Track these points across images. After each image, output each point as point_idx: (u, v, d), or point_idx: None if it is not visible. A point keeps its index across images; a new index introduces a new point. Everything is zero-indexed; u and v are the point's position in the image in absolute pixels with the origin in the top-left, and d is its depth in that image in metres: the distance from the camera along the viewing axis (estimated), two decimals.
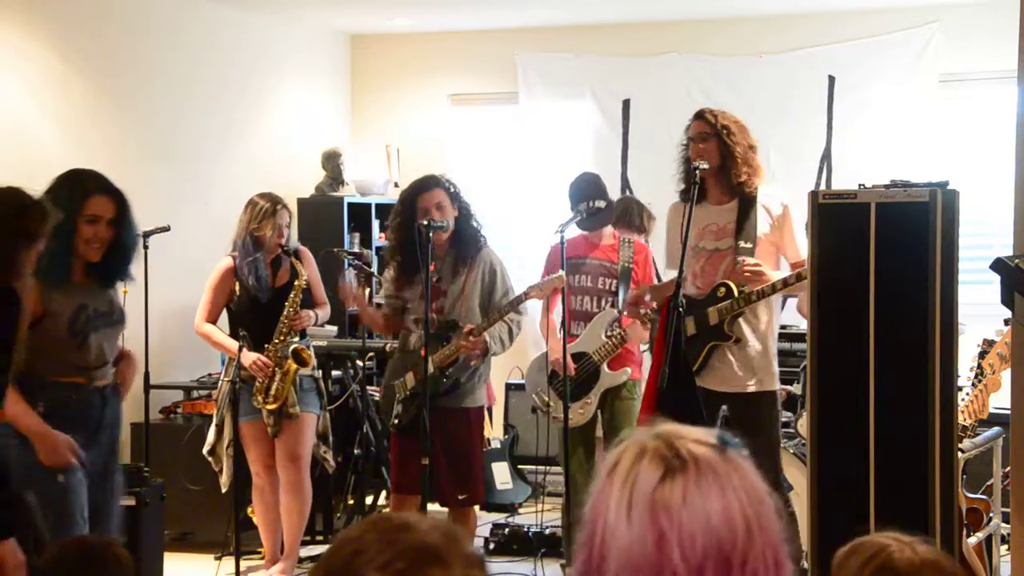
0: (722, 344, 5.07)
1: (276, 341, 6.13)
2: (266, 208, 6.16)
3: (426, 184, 5.68)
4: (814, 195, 4.62)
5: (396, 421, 5.70)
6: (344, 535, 1.59)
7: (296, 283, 6.13)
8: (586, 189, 6.25)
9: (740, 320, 5.08)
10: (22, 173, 6.59)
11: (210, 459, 6.31)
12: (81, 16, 7.05)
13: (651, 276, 6.28)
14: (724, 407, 5.12)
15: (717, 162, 5.09)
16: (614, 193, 7.44)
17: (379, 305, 5.88)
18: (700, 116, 5.21)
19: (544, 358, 6.20)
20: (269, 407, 6.14)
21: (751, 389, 5.08)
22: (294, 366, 6.12)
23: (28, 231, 3.71)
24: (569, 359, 5.89)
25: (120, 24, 7.34)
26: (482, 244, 5.79)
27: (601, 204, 6.19)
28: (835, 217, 4.48)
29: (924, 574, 2.13)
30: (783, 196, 5.23)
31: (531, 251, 8.74)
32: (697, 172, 5.00)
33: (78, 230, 4.37)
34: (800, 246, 5.09)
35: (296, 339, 6.20)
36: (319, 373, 6.44)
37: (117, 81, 7.29)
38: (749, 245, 5.06)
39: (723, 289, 5.09)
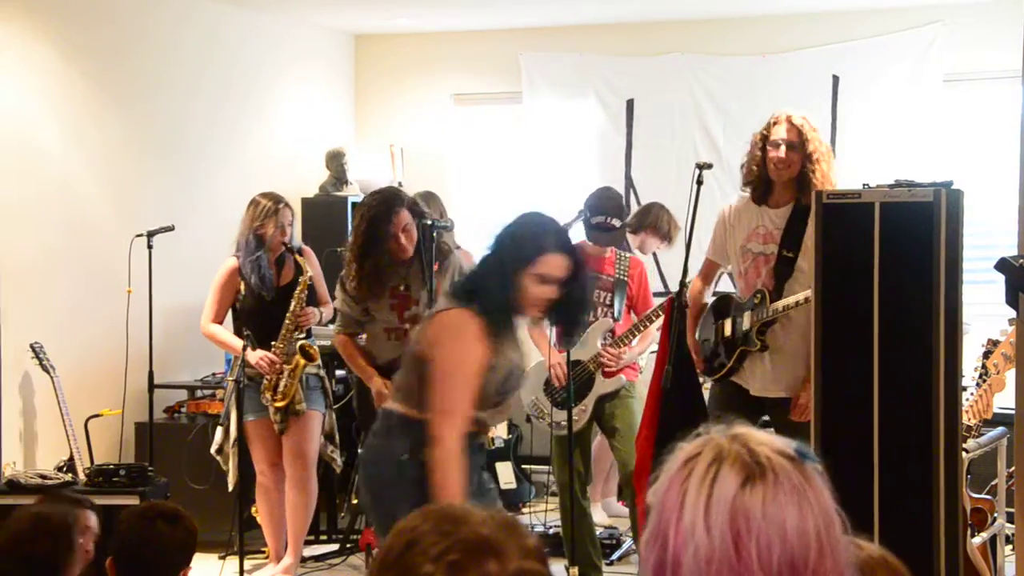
0: (752, 350, 5.02)
1: (283, 338, 6.14)
2: (268, 207, 6.17)
3: (397, 205, 5.49)
4: (818, 195, 4.63)
5: None
6: (400, 527, 1.56)
7: (301, 279, 6.15)
8: (606, 205, 6.14)
9: (777, 327, 5.00)
10: (26, 174, 6.63)
11: (218, 458, 6.31)
12: (84, 16, 7.06)
13: (647, 290, 6.20)
14: (765, 416, 5.08)
15: (796, 172, 4.98)
16: (618, 189, 7.40)
17: (336, 311, 5.80)
18: (791, 122, 4.99)
19: (539, 367, 6.16)
20: (277, 404, 6.15)
21: (783, 395, 5.00)
22: (302, 362, 6.14)
23: None
24: (564, 367, 5.86)
25: (123, 24, 7.34)
26: (448, 250, 5.73)
27: (615, 223, 6.06)
28: (839, 217, 4.48)
29: (878, 572, 2.11)
30: None
31: None
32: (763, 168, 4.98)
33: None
34: None
35: (302, 336, 6.22)
36: (324, 372, 6.44)
37: (120, 81, 7.29)
38: (791, 255, 4.97)
39: (759, 296, 5.02)
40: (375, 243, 5.45)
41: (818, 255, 4.50)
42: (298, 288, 6.15)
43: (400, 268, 5.54)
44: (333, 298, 5.98)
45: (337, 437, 6.56)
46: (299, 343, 6.16)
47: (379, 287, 5.53)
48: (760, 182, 5.03)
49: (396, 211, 5.45)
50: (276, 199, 6.23)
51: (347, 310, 5.63)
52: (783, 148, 4.95)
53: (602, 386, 6.08)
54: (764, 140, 5.03)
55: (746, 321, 5.03)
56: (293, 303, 6.14)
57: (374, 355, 5.64)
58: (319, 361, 6.32)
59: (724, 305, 5.20)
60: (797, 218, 4.98)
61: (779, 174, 4.99)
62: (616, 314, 6.05)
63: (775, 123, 5.03)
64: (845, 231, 4.47)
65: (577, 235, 6.33)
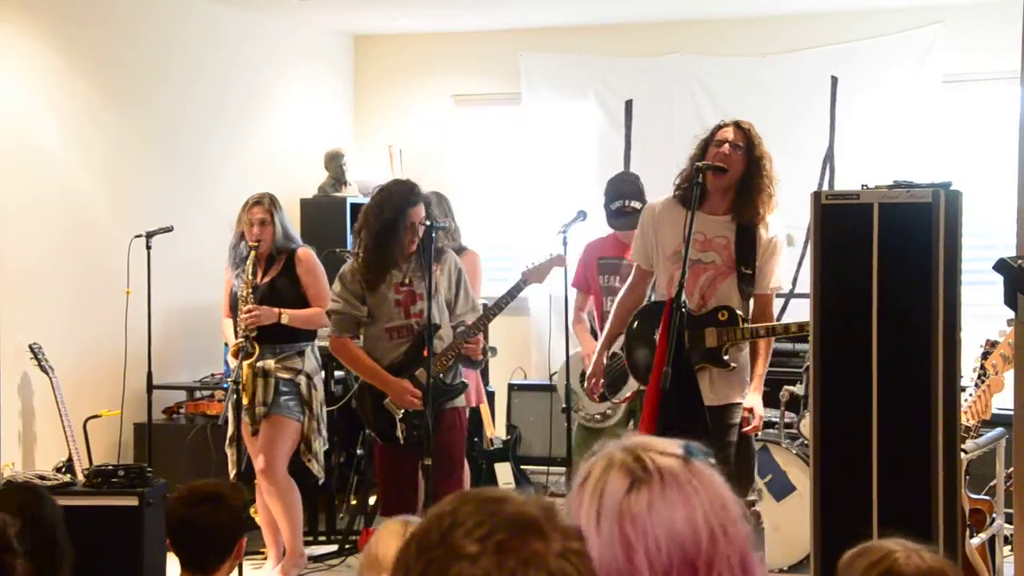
0: (709, 367, 4.92)
1: (239, 339, 6.08)
2: (245, 205, 6.18)
3: (418, 198, 5.52)
4: (817, 196, 4.61)
5: (402, 438, 5.52)
6: (436, 510, 1.54)
7: (244, 279, 6.04)
8: (624, 189, 6.10)
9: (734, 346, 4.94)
10: (25, 174, 6.63)
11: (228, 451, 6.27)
12: (83, 16, 7.06)
13: None
14: None
15: (736, 177, 4.88)
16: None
17: (330, 313, 5.64)
18: (739, 126, 4.93)
19: (576, 358, 6.07)
20: (245, 404, 6.10)
21: (718, 403, 4.92)
22: (245, 364, 6.06)
23: None
24: (598, 359, 5.81)
25: (122, 24, 7.35)
26: (443, 249, 5.67)
27: (636, 205, 6.01)
28: (838, 218, 4.48)
29: None
30: (779, 227, 5.03)
31: (532, 251, 8.74)
32: (704, 174, 4.78)
33: None
34: (774, 276, 4.95)
35: (252, 334, 6.03)
36: (303, 378, 6.20)
37: (120, 81, 7.29)
38: (749, 272, 4.90)
39: (725, 313, 4.90)
40: (393, 227, 5.41)
41: (816, 256, 4.50)
42: (242, 288, 6.07)
43: (403, 263, 5.52)
44: None
45: (317, 444, 6.28)
46: (235, 343, 6.04)
47: (385, 274, 5.49)
48: (694, 186, 4.82)
49: (416, 201, 5.46)
50: (255, 197, 6.21)
51: (347, 309, 5.52)
52: (727, 146, 4.86)
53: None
54: (707, 144, 4.94)
55: (710, 338, 4.90)
56: (240, 304, 6.05)
57: (374, 358, 5.55)
58: (303, 367, 6.18)
59: (657, 316, 4.87)
60: (743, 237, 4.91)
61: (715, 182, 4.86)
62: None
63: (721, 127, 4.97)
64: (843, 232, 4.47)
65: (576, 236, 6.35)
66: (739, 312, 4.91)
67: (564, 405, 6.23)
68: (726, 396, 4.96)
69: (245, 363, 6.01)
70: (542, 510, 1.52)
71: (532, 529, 1.48)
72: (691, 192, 4.78)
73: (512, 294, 5.61)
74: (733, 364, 4.91)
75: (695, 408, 4.86)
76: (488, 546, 1.45)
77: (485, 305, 5.75)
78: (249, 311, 6.04)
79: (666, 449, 1.71)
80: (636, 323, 5.15)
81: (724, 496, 1.68)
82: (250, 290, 6.06)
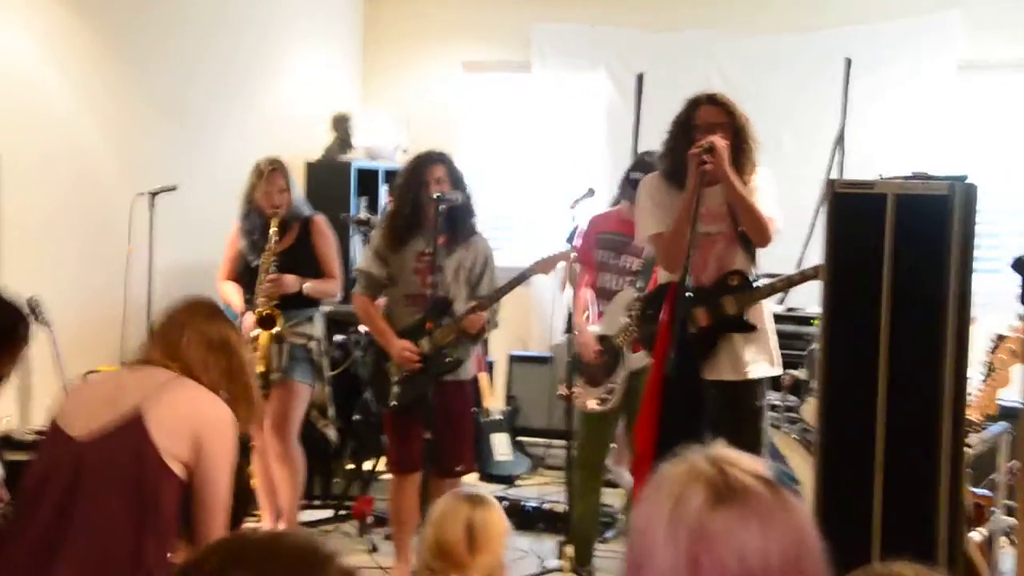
0: (733, 336, 4.91)
1: (258, 306, 6.07)
2: (259, 170, 6.13)
3: (432, 158, 5.64)
4: (830, 183, 4.56)
5: (394, 403, 5.62)
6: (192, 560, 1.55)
7: (267, 247, 6.04)
8: (646, 161, 6.03)
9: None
10: (32, 128, 6.57)
11: None
12: None
13: None
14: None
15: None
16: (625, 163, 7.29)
17: (355, 280, 5.80)
18: (713, 101, 4.84)
19: (569, 342, 6.03)
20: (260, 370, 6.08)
21: (740, 378, 4.90)
22: (265, 333, 6.05)
23: None
24: (594, 341, 5.81)
25: None
26: (476, 229, 5.74)
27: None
28: (851, 206, 4.42)
29: None
30: (761, 174, 4.96)
31: (538, 222, 8.71)
32: (706, 157, 4.66)
33: None
34: (765, 204, 4.86)
35: (273, 304, 6.04)
36: (315, 344, 6.26)
37: (127, 37, 7.21)
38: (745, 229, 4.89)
39: (736, 277, 4.90)
40: (414, 187, 5.57)
41: (828, 245, 4.44)
42: (264, 257, 6.06)
43: (425, 232, 5.56)
44: (349, 271, 5.94)
45: (331, 410, 6.46)
46: (259, 311, 6.04)
47: (408, 239, 5.59)
48: (683, 167, 4.77)
49: (434, 160, 5.63)
50: (270, 163, 6.16)
51: (373, 271, 5.66)
52: (706, 131, 4.76)
53: (633, 361, 5.80)
54: (686, 125, 4.86)
55: (729, 306, 4.90)
56: (260, 273, 6.05)
57: (391, 321, 5.69)
58: (312, 333, 6.20)
59: (662, 294, 4.85)
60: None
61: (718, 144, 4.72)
62: (643, 283, 5.75)
63: (697, 104, 4.85)
64: (856, 221, 4.39)
65: (585, 211, 6.28)
66: (748, 274, 4.92)
67: (561, 392, 6.16)
68: (753, 365, 4.93)
69: (264, 331, 6.01)
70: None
71: None
72: (697, 181, 4.69)
73: (517, 281, 5.66)
74: (756, 324, 4.91)
75: (697, 390, 4.85)
76: None
77: None
78: (273, 280, 6.02)
79: (753, 468, 1.65)
80: (648, 308, 5.12)
81: (805, 530, 1.63)
82: (273, 258, 6.03)
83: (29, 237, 6.53)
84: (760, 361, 4.96)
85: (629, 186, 5.96)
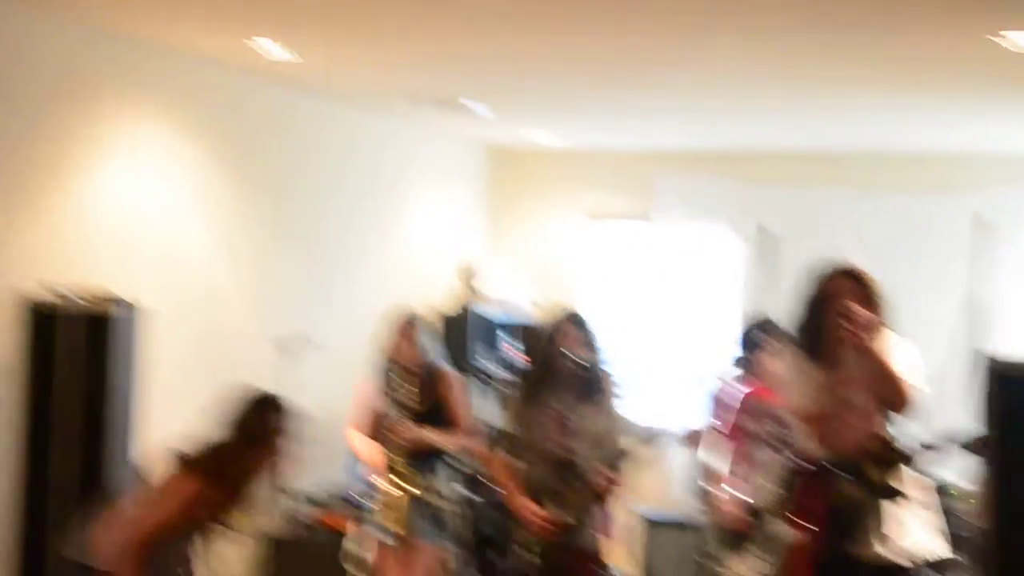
0: (880, 507, 4.79)
1: (393, 459, 6.04)
2: (396, 322, 6.15)
3: (567, 318, 5.63)
4: (984, 359, 4.45)
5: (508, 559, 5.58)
6: None
7: (401, 400, 6.02)
8: (768, 321, 5.94)
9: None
10: (167, 271, 6.67)
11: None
12: (227, 120, 7.07)
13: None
14: None
15: None
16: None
17: (491, 437, 5.79)
18: (849, 277, 4.73)
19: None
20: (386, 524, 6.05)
21: (893, 558, 4.63)
22: (395, 484, 6.00)
23: None
24: (739, 509, 5.68)
25: (264, 129, 7.40)
26: (606, 386, 5.68)
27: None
28: (1015, 388, 4.29)
29: None
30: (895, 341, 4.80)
31: (662, 373, 8.67)
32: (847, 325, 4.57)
33: None
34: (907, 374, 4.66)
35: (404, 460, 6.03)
36: (446, 503, 6.11)
37: (261, 185, 7.34)
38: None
39: (878, 443, 4.81)
40: (546, 354, 5.55)
41: (992, 432, 4.30)
42: (398, 408, 6.04)
43: (558, 391, 5.53)
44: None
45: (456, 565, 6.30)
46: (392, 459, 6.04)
47: (540, 396, 5.55)
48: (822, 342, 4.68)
49: (568, 321, 5.60)
50: (408, 316, 6.18)
51: (506, 428, 5.63)
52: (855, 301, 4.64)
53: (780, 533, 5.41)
54: (822, 301, 4.73)
55: (873, 472, 4.69)
56: (394, 425, 6.02)
57: (522, 478, 5.57)
58: (443, 490, 6.15)
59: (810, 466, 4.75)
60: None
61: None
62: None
63: (831, 278, 4.74)
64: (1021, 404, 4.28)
65: (715, 372, 6.21)
66: (888, 436, 4.71)
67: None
68: (905, 542, 4.67)
69: (395, 483, 5.98)
70: None
71: None
72: (845, 356, 4.61)
73: (649, 441, 5.58)
74: (900, 489, 4.64)
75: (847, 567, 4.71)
76: None
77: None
78: (406, 432, 6.02)
79: None
80: (795, 479, 5.01)
81: None
82: (407, 411, 6.03)
83: (166, 382, 6.59)
84: (914, 538, 4.79)
85: (753, 344, 5.91)
